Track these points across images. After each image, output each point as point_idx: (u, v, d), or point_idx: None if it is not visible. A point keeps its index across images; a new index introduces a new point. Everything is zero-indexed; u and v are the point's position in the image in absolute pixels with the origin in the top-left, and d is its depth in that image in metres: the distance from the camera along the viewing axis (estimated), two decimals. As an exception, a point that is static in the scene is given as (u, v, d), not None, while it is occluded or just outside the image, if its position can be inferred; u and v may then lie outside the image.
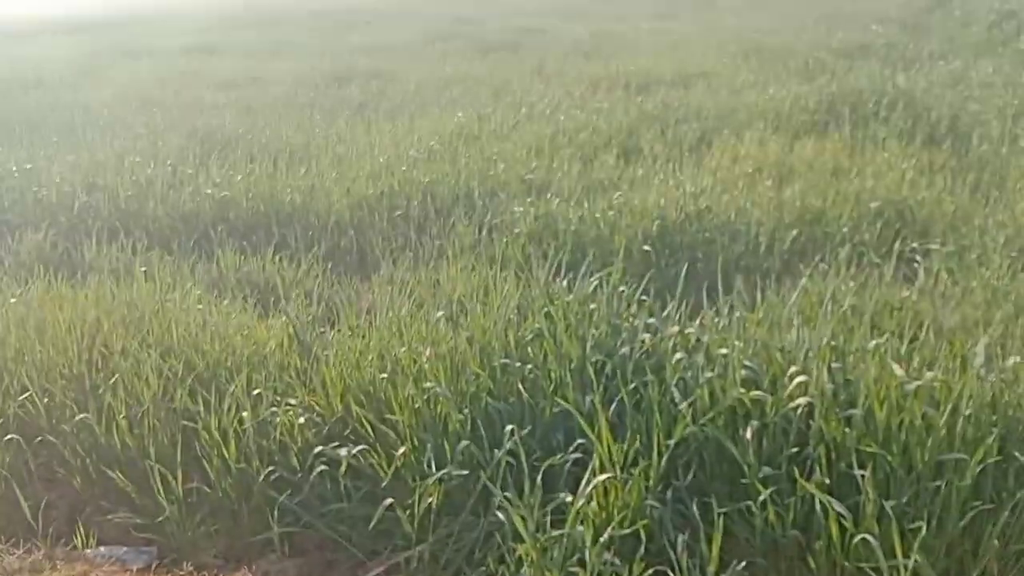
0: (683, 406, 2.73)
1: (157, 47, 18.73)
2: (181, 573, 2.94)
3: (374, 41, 18.73)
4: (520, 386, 3.09)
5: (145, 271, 4.76)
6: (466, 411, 3.05)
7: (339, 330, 3.92)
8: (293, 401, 3.31)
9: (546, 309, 3.49)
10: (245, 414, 3.18)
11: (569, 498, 2.52)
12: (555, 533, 2.46)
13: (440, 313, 3.67)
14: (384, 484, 2.97)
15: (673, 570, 2.37)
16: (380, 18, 25.93)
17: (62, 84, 13.52)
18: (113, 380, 3.44)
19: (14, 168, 7.16)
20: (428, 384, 3.16)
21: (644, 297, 3.65)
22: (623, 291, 3.67)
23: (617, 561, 2.36)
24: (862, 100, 8.39)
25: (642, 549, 2.43)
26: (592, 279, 3.73)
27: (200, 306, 4.17)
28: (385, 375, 3.32)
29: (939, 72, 10.75)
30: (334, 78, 13.09)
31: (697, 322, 3.47)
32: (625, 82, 11.50)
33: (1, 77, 14.01)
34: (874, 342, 3.00)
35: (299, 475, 3.10)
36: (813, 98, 8.66)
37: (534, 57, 15.06)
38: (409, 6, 31.11)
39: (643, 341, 3.24)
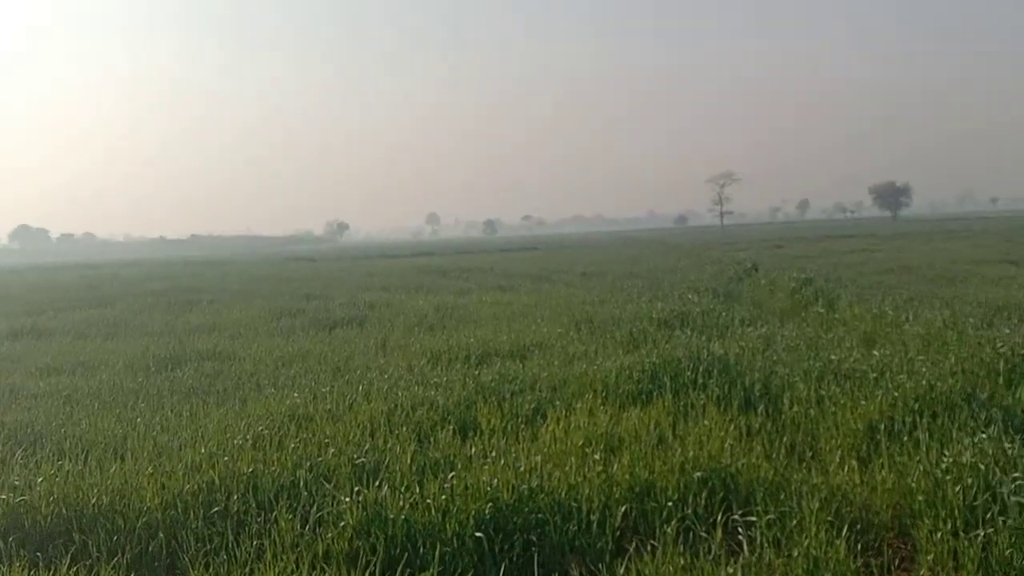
0: None
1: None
2: None
3: (215, 320, 18.65)
4: None
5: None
6: None
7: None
8: None
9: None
10: None
11: None
12: None
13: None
14: None
15: None
16: (224, 295, 26.06)
17: None
18: None
19: None
20: None
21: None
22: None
23: None
24: (682, 368, 8.92)
25: None
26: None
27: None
28: None
29: (750, 337, 11.70)
30: (167, 360, 12.73)
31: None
32: (465, 354, 11.82)
33: None
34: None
35: None
36: (638, 368, 9.13)
37: (379, 331, 15.38)
38: (256, 285, 31.62)
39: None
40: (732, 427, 7.04)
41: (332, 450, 6.69)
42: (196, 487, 5.86)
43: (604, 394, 8.56)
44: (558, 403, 8.30)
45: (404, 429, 7.56)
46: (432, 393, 8.92)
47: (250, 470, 6.13)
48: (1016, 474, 5.13)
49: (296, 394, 9.28)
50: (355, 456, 6.54)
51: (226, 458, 6.42)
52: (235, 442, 7.00)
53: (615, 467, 5.94)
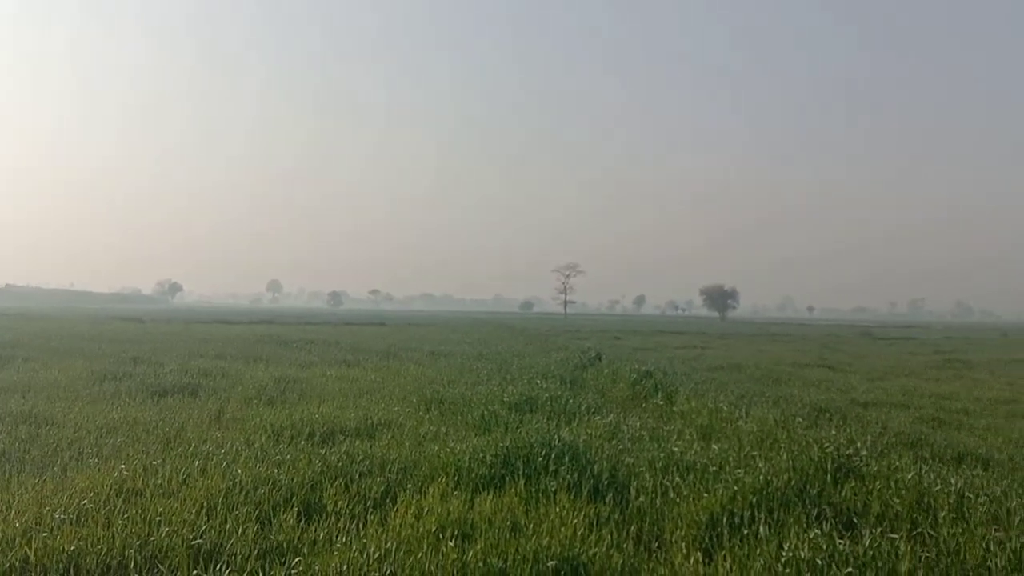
0: None
1: None
2: None
3: (31, 379, 17.08)
4: None
5: None
6: None
7: None
8: None
9: None
10: None
11: None
12: None
13: None
14: None
15: None
16: (41, 353, 24.02)
17: None
18: None
19: None
20: None
21: None
22: None
23: None
24: (534, 454, 8.96)
25: None
26: None
27: None
28: None
29: (597, 425, 11.96)
30: (-27, 423, 11.49)
31: None
32: (310, 431, 11.38)
33: None
34: None
35: None
36: (491, 451, 9.08)
37: (214, 402, 14.56)
38: (78, 343, 29.39)
39: None
40: (583, 515, 7.11)
41: (165, 529, 6.21)
42: (7, 566, 5.25)
43: (457, 478, 8.45)
44: (409, 486, 8.12)
45: (244, 509, 7.13)
46: (274, 471, 8.49)
47: (72, 548, 5.57)
48: (849, 569, 5.43)
49: (124, 466, 8.58)
50: (191, 536, 6.09)
51: (44, 534, 5.81)
52: (54, 516, 6.35)
53: (469, 555, 5.83)
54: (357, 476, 8.45)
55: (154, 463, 8.83)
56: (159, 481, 8.03)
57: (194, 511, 6.92)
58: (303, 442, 10.61)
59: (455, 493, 7.85)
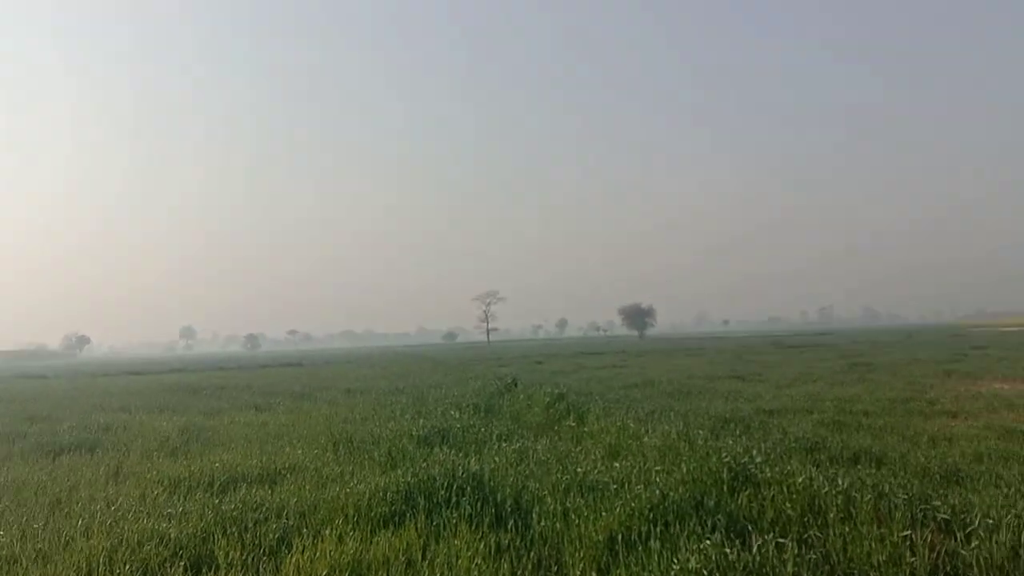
0: None
1: None
2: None
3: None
4: None
5: None
6: None
7: None
8: None
9: None
10: None
11: None
12: None
13: None
14: None
15: None
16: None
17: None
18: None
19: None
20: None
21: None
22: None
23: None
24: (436, 487, 8.84)
25: None
26: None
27: None
28: None
29: (506, 452, 11.92)
30: None
31: None
32: (209, 480, 11.00)
33: None
34: None
35: None
36: (393, 488, 8.93)
37: (113, 457, 13.95)
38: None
39: None
40: (482, 545, 7.03)
41: (36, 598, 5.85)
42: None
43: (356, 518, 8.26)
44: (306, 530, 7.89)
45: (128, 567, 6.82)
46: (164, 525, 8.14)
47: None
48: (734, 577, 5.50)
49: (1, 532, 8.10)
50: (64, 604, 5.76)
51: None
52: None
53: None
54: (252, 524, 8.18)
55: (35, 527, 8.37)
56: (38, 546, 7.61)
57: (72, 575, 6.58)
58: (200, 493, 10.24)
59: (352, 534, 7.67)
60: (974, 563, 5.97)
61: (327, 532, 7.74)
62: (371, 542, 7.37)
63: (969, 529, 6.58)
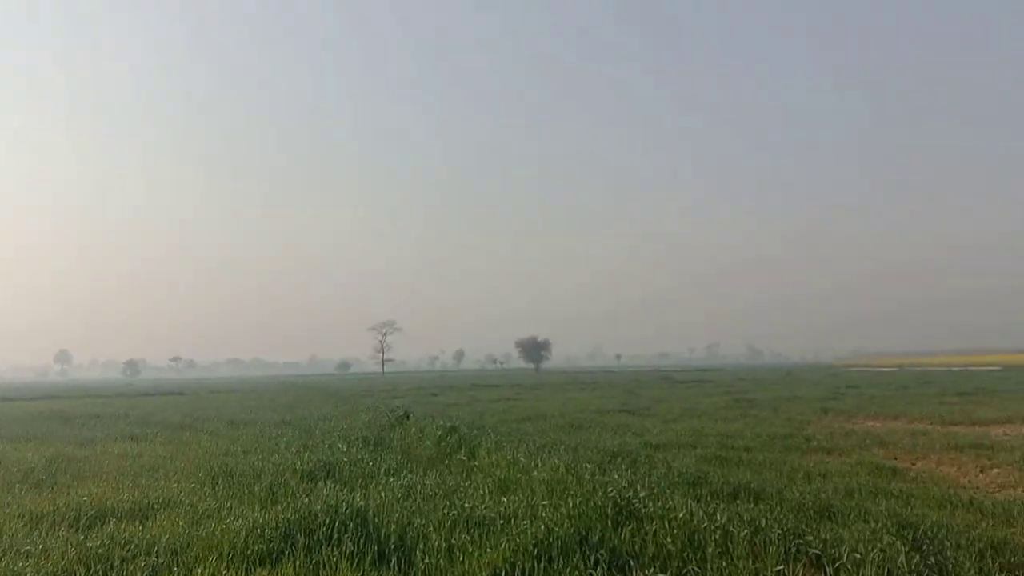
0: None
1: None
2: None
3: None
4: None
5: None
6: None
7: None
8: None
9: None
10: None
11: None
12: None
13: None
14: None
15: None
16: None
17: None
18: None
19: None
20: None
21: None
22: None
23: None
24: (318, 524, 8.58)
25: None
26: None
27: None
28: None
29: (393, 487, 11.70)
30: None
31: None
32: (75, 515, 10.36)
33: None
34: None
35: None
36: (271, 525, 8.61)
37: (-32, 493, 12.95)
38: None
39: None
40: (363, 584, 6.85)
41: None
42: None
43: (231, 556, 7.91)
44: (176, 569, 7.51)
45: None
46: (21, 564, 7.60)
47: None
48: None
49: None
50: None
51: None
52: None
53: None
54: (119, 562, 7.73)
55: None
56: None
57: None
58: (64, 528, 9.63)
59: (226, 573, 7.34)
60: (841, 596, 6.20)
61: (199, 571, 7.39)
62: (246, 581, 7.07)
63: (838, 564, 6.84)
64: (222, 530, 8.61)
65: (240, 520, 9.09)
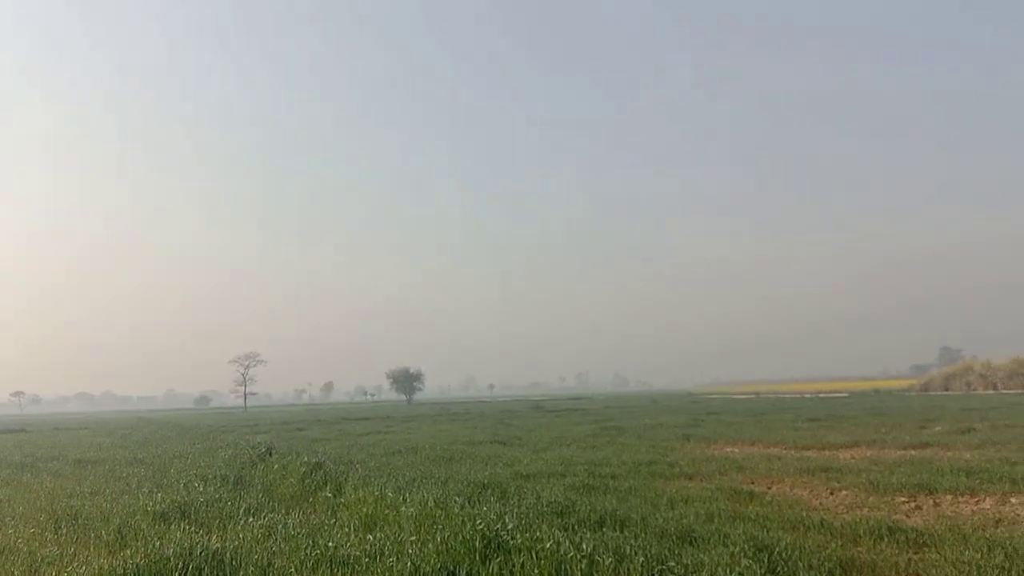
0: None
1: None
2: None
3: None
4: None
5: None
6: None
7: None
8: None
9: None
10: None
11: None
12: None
13: None
14: None
15: None
16: None
17: None
18: None
19: None
20: None
21: None
22: None
23: None
24: (170, 569, 8.10)
25: None
26: None
27: None
28: None
29: (252, 528, 11.20)
30: None
31: None
32: None
33: None
34: None
35: None
36: (119, 571, 8.06)
37: None
38: None
39: None
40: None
41: None
42: None
43: (71, 608, 7.34)
44: (8, 624, 6.88)
45: None
46: None
47: None
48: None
49: None
50: None
51: None
52: None
53: None
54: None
55: None
56: None
57: None
58: None
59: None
60: (701, 620, 6.36)
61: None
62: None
63: (698, 588, 7.03)
64: (60, 581, 8.00)
65: (84, 567, 8.49)
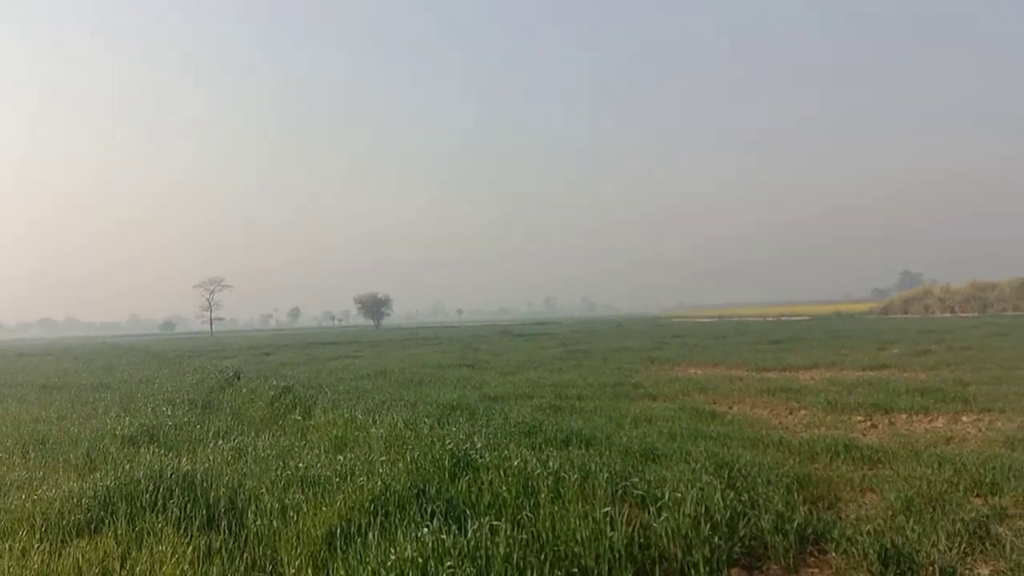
0: None
1: None
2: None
3: None
4: None
5: None
6: None
7: None
8: None
9: None
10: None
11: None
12: None
13: None
14: None
15: None
16: None
17: None
18: None
19: None
20: None
21: None
22: None
23: None
24: (140, 491, 8.16)
25: None
26: None
27: None
28: None
29: (222, 450, 11.29)
30: None
31: None
32: None
33: None
34: None
35: None
36: (89, 494, 8.10)
37: None
38: None
39: None
40: (191, 548, 6.58)
41: None
42: None
43: (45, 528, 7.40)
44: (-21, 545, 6.92)
45: None
46: None
47: None
48: (450, 562, 5.62)
49: None
50: None
51: None
52: None
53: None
54: (-92, 543, 7.04)
55: None
56: None
57: None
58: None
59: (39, 547, 6.85)
60: (663, 534, 6.58)
61: (7, 546, 6.86)
62: (61, 553, 6.63)
63: (660, 503, 7.25)
64: (34, 501, 8.04)
65: (55, 490, 8.51)
